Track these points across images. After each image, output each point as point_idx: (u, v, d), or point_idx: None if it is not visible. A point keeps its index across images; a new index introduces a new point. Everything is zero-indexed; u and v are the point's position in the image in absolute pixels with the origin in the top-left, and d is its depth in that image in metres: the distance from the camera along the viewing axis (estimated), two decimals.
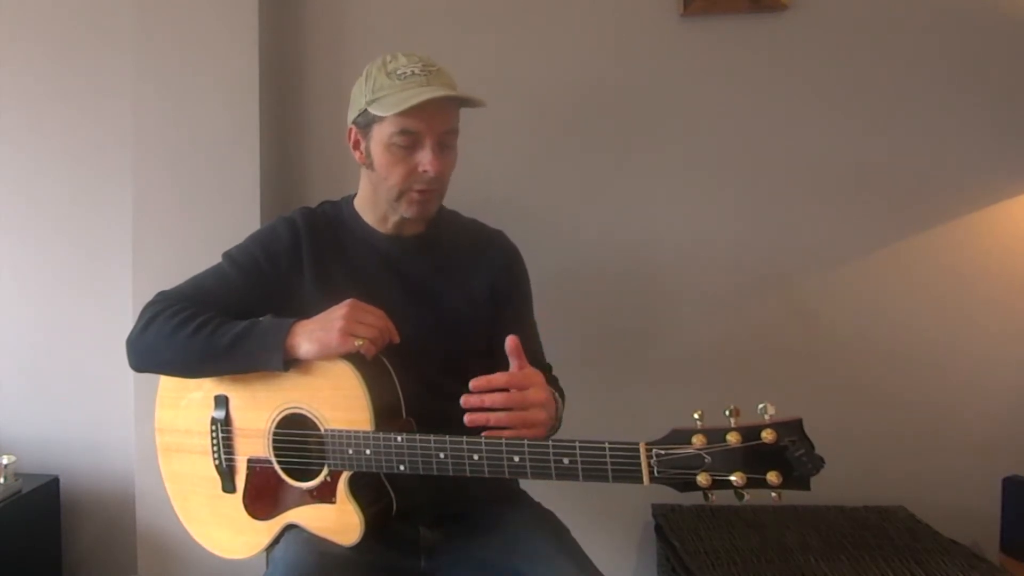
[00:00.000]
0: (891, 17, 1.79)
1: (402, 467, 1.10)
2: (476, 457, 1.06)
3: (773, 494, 0.92)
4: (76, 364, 2.00)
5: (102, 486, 1.99)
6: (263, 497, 1.23)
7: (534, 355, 1.33)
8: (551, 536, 1.22)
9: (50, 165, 1.99)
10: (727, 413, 0.93)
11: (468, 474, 1.07)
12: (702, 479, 0.93)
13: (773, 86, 1.82)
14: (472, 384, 1.07)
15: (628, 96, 1.86)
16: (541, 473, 1.02)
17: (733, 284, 1.85)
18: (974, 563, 1.47)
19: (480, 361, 1.32)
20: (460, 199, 1.42)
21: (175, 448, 1.33)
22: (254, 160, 1.78)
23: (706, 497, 0.95)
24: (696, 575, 1.46)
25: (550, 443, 1.02)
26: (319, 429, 1.17)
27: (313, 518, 1.18)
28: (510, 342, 1.12)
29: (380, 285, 1.29)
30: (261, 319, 1.26)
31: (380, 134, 1.23)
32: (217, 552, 1.29)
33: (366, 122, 1.25)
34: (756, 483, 0.91)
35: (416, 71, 1.21)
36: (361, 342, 1.13)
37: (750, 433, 0.91)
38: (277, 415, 1.21)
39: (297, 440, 1.19)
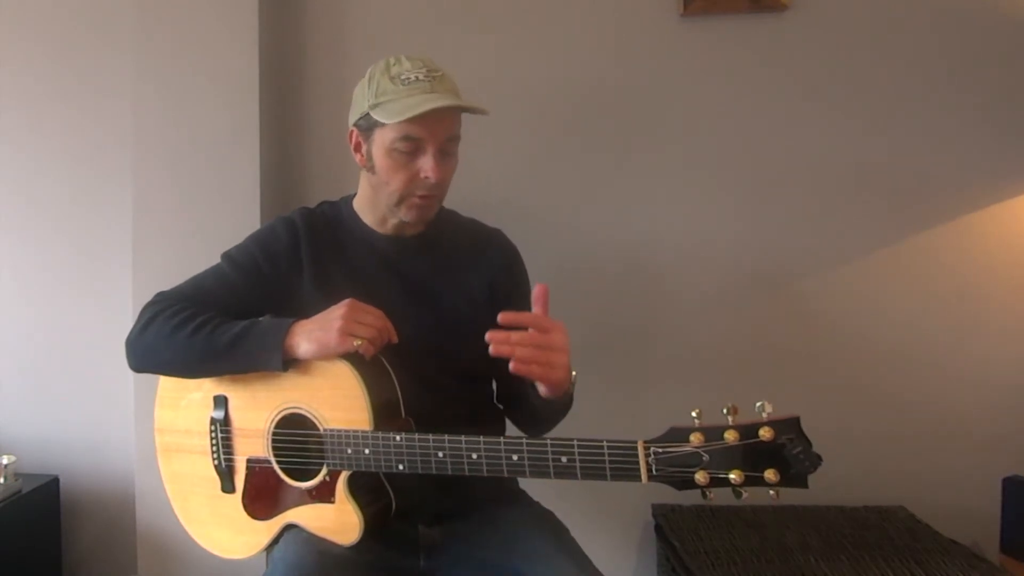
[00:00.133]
0: (891, 17, 1.79)
1: (401, 466, 1.10)
2: (475, 456, 1.06)
3: (771, 492, 0.92)
4: (76, 364, 2.00)
5: (102, 486, 1.99)
6: (262, 497, 1.23)
7: None
8: (550, 535, 1.22)
9: (50, 165, 1.99)
10: (725, 411, 0.93)
11: (467, 473, 1.07)
12: (700, 477, 0.93)
13: (773, 86, 1.82)
14: (500, 318, 1.07)
15: (628, 96, 1.86)
16: (539, 472, 1.03)
17: (733, 284, 1.85)
18: (974, 563, 1.47)
19: (480, 360, 1.33)
20: (460, 199, 1.42)
21: (175, 448, 1.33)
22: (254, 160, 1.78)
23: (704, 495, 0.95)
24: (696, 575, 1.46)
25: (548, 442, 1.02)
26: (318, 429, 1.17)
27: (312, 518, 1.18)
28: (539, 288, 1.11)
29: (379, 285, 1.29)
30: (260, 319, 1.26)
31: (382, 139, 1.23)
32: (217, 552, 1.29)
33: (368, 126, 1.25)
34: (754, 481, 0.91)
35: (420, 77, 1.21)
36: (360, 342, 1.13)
37: (748, 431, 0.91)
38: (276, 415, 1.21)
39: (296, 440, 1.19)
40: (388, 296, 1.26)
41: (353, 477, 1.15)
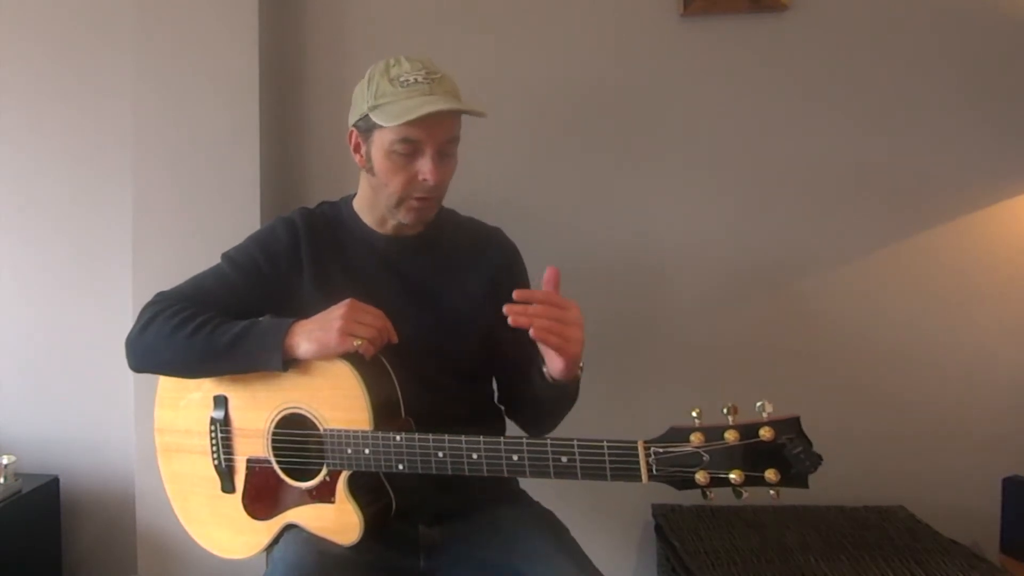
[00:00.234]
0: (891, 17, 1.79)
1: (401, 466, 1.10)
2: (475, 456, 1.06)
3: (771, 492, 0.92)
4: (76, 364, 2.00)
5: (102, 486, 1.99)
6: (262, 497, 1.23)
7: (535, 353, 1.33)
8: (550, 535, 1.22)
9: (50, 165, 1.99)
10: (725, 411, 0.93)
11: (467, 473, 1.07)
12: (700, 477, 0.93)
13: (773, 86, 1.82)
14: (515, 294, 1.08)
15: (628, 96, 1.86)
16: (540, 472, 1.03)
17: (733, 284, 1.85)
18: (974, 563, 1.47)
19: (480, 360, 1.33)
20: (460, 199, 1.42)
21: (175, 448, 1.33)
22: (254, 160, 1.78)
23: (704, 495, 0.95)
24: (696, 575, 1.46)
25: (548, 441, 1.02)
26: (318, 429, 1.17)
27: (312, 518, 1.18)
28: (550, 271, 1.12)
29: (379, 285, 1.29)
30: (260, 319, 1.26)
31: (381, 140, 1.23)
32: (217, 552, 1.29)
33: (367, 127, 1.25)
34: (754, 481, 0.91)
35: (419, 79, 1.21)
36: (360, 342, 1.13)
37: (748, 431, 0.91)
38: (276, 415, 1.21)
39: (296, 440, 1.19)
40: (388, 296, 1.26)
41: (353, 477, 1.15)
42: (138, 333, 1.24)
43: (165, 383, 1.34)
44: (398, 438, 1.10)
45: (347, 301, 1.17)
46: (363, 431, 1.12)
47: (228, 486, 1.26)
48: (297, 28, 1.93)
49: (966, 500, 1.79)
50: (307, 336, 1.15)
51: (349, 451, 1.13)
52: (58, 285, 2.00)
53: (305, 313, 1.20)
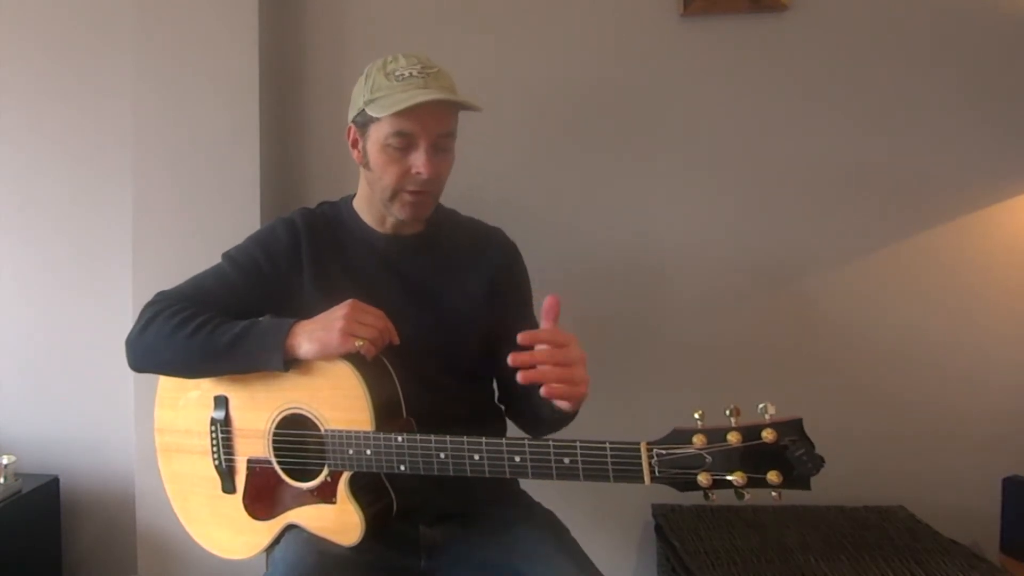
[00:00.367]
0: (891, 17, 1.79)
1: (402, 467, 1.10)
2: (476, 457, 1.06)
3: (773, 493, 0.92)
4: (76, 364, 2.00)
5: (102, 486, 1.99)
6: (263, 497, 1.23)
7: None
8: (551, 536, 1.22)
9: (50, 165, 1.99)
10: (728, 413, 0.93)
11: (468, 474, 1.07)
12: (703, 479, 0.93)
13: (773, 86, 1.82)
14: (520, 338, 1.06)
15: (628, 96, 1.86)
16: (542, 473, 1.02)
17: (733, 284, 1.85)
18: (974, 563, 1.47)
19: (480, 360, 1.33)
20: (459, 198, 1.42)
21: (175, 448, 1.33)
22: (254, 160, 1.78)
23: (706, 497, 0.95)
24: (696, 575, 1.46)
25: (551, 443, 1.02)
26: (319, 429, 1.17)
27: (313, 518, 1.18)
28: (549, 301, 1.10)
29: (379, 285, 1.29)
30: (261, 319, 1.26)
31: (376, 134, 1.23)
32: (217, 552, 1.29)
33: (364, 122, 1.25)
34: (756, 483, 0.91)
35: (414, 73, 1.22)
36: (361, 342, 1.13)
37: (750, 433, 0.91)
38: (277, 415, 1.21)
39: (297, 440, 1.19)
40: (388, 296, 1.26)
41: (354, 478, 1.15)
42: (138, 333, 1.24)
43: (165, 383, 1.34)
44: (400, 439, 1.10)
45: (349, 301, 1.17)
46: (364, 432, 1.12)
47: (229, 486, 1.26)
48: (297, 28, 1.93)
49: (966, 500, 1.79)
50: (308, 336, 1.15)
51: (351, 452, 1.13)
52: (58, 285, 2.00)
53: (305, 313, 1.20)
